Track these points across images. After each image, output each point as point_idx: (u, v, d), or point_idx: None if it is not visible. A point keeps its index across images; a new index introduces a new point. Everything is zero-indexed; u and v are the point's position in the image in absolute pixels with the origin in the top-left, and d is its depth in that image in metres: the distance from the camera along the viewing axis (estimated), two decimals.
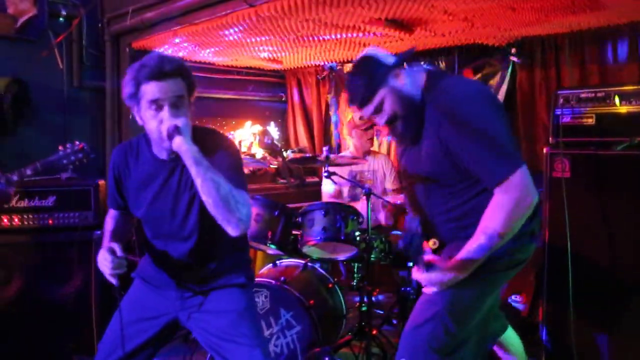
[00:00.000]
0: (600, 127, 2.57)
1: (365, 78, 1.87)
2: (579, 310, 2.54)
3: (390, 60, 1.90)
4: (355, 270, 3.11)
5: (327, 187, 3.86)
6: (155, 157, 1.88)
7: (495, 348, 2.33)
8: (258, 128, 5.02)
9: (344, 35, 3.45)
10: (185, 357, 2.99)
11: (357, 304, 3.11)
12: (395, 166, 4.21)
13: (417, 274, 1.76)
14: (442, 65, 4.20)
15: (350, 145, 4.14)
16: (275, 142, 5.07)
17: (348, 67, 4.93)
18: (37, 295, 2.89)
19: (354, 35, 3.43)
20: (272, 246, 2.96)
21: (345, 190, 3.91)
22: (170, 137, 1.70)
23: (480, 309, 1.91)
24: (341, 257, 3.09)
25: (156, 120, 1.73)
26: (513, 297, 3.39)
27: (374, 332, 2.98)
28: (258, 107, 5.25)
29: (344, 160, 3.34)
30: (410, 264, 2.87)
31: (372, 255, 2.98)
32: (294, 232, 3.03)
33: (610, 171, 2.51)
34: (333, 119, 5.15)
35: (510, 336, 2.30)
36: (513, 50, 3.77)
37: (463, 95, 1.80)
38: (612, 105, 2.54)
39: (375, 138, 4.33)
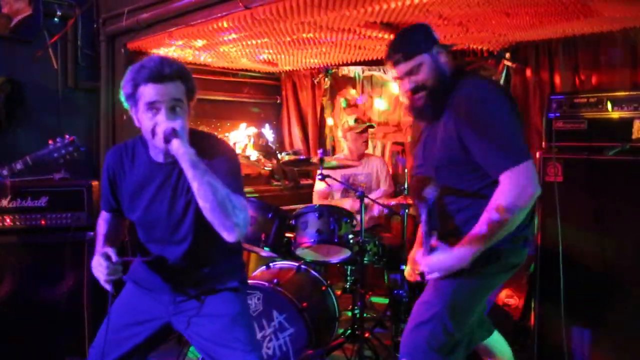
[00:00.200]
0: (592, 132, 2.60)
1: (415, 36, 1.95)
2: (571, 314, 2.55)
3: (438, 38, 1.98)
4: (349, 272, 3.11)
5: (319, 185, 3.88)
6: (152, 160, 1.85)
7: (482, 356, 2.34)
8: (253, 130, 5.01)
9: (339, 38, 3.46)
10: (178, 358, 2.98)
11: (350, 306, 3.11)
12: (390, 169, 4.23)
13: (421, 258, 1.84)
14: None
15: (344, 148, 4.14)
16: (270, 144, 5.06)
17: (343, 70, 4.94)
18: (29, 296, 2.87)
19: (349, 38, 3.44)
20: (266, 248, 2.96)
21: (337, 191, 3.93)
22: (167, 139, 1.67)
23: (476, 311, 1.96)
24: (334, 259, 3.10)
25: (153, 122, 1.70)
26: (505, 300, 3.39)
27: (367, 334, 2.98)
28: (253, 109, 5.26)
29: (339, 161, 3.34)
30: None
31: (365, 258, 2.98)
32: (287, 234, 3.02)
33: (603, 176, 2.53)
34: (328, 121, 5.16)
35: (497, 340, 2.30)
36: (507, 55, 3.79)
37: (484, 92, 1.88)
38: (605, 111, 2.57)
39: (369, 141, 4.34)
